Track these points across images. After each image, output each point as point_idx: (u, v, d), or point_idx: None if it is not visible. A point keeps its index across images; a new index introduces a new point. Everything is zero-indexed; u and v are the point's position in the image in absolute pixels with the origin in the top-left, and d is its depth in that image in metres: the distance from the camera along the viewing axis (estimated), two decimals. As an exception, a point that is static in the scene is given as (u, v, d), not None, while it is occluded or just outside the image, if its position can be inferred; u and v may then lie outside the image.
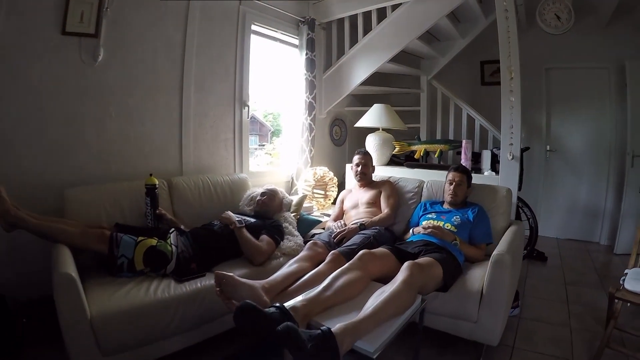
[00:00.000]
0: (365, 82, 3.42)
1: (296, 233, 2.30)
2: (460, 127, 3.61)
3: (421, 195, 2.50)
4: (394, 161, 3.36)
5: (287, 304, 1.36)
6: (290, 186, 3.32)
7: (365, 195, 2.47)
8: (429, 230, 2.01)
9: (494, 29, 2.61)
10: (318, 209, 3.05)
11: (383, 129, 3.18)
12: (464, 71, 4.15)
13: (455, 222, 2.11)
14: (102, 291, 1.52)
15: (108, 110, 2.19)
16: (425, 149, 3.08)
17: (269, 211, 2.33)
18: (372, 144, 3.13)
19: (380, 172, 2.85)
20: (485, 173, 2.81)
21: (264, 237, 2.07)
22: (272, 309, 1.29)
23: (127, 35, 2.21)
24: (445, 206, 2.27)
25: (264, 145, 3.70)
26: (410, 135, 3.59)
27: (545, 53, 3.76)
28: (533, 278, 2.87)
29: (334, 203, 2.89)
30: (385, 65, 3.28)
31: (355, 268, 1.61)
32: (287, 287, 1.68)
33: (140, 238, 1.74)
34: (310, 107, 3.26)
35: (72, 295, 1.34)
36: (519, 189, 2.74)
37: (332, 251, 1.88)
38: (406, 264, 1.60)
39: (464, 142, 2.85)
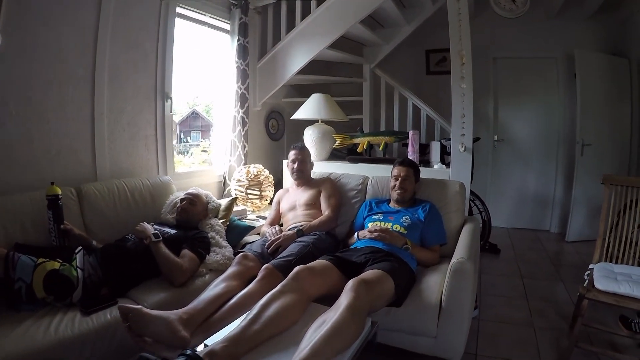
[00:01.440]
0: (305, 71, 3.61)
1: (224, 244, 2.31)
2: (405, 117, 3.92)
3: (365, 193, 2.61)
4: (336, 156, 3.58)
5: (201, 351, 1.25)
6: (223, 187, 3.44)
7: (304, 195, 2.54)
8: (376, 234, 2.01)
9: (441, 15, 2.90)
10: (254, 211, 3.19)
11: (322, 121, 3.38)
12: (408, 60, 4.52)
13: (404, 223, 2.15)
14: (16, 327, 1.46)
15: (6, 106, 2.10)
16: (368, 142, 3.29)
17: (191, 219, 2.35)
18: (310, 137, 3.33)
19: (321, 169, 2.97)
20: (435, 166, 3.00)
21: (186, 252, 2.05)
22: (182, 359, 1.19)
23: (29, 17, 2.13)
24: (393, 205, 2.33)
25: (200, 142, 3.81)
26: (353, 127, 3.81)
27: (492, 42, 4.18)
28: (488, 273, 3.12)
29: (270, 203, 3.02)
30: (324, 53, 3.47)
31: (289, 290, 1.53)
32: (211, 315, 1.62)
33: (40, 260, 1.67)
34: (243, 99, 3.38)
35: None
36: (471, 181, 2.97)
37: (265, 265, 1.86)
38: (350, 283, 1.52)
39: (410, 133, 3.05)
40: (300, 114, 3.34)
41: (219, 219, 2.52)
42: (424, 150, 3.26)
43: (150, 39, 2.80)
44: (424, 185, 2.46)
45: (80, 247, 1.90)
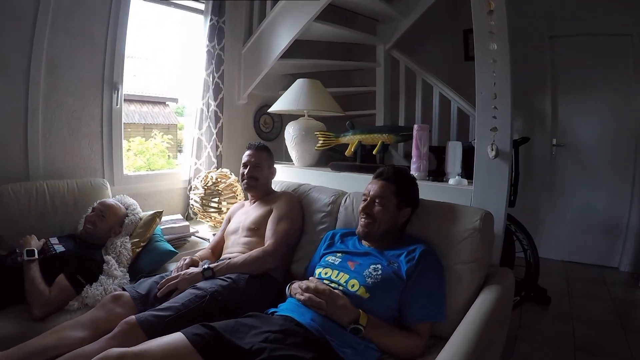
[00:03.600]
0: (303, 55, 3.68)
1: (118, 273, 2.25)
2: (430, 112, 3.81)
3: (336, 218, 2.33)
4: (332, 159, 3.43)
5: None
6: (189, 194, 3.60)
7: (252, 214, 2.40)
8: (306, 296, 1.63)
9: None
10: (214, 227, 3.30)
11: (310, 115, 3.40)
12: (441, 43, 4.39)
13: (369, 278, 1.69)
14: None
15: None
16: (360, 142, 3.02)
17: (95, 235, 2.42)
18: (290, 136, 3.35)
19: (300, 178, 2.95)
20: (451, 181, 2.51)
21: (60, 278, 2.06)
22: None
23: None
24: (364, 242, 1.95)
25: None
26: (360, 124, 3.74)
27: (547, 15, 3.89)
28: (529, 341, 2.72)
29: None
30: (323, 30, 3.49)
31: None
32: None
33: None
34: (216, 89, 3.55)
35: None
36: (512, 204, 2.60)
37: (126, 319, 1.66)
38: None
39: (416, 128, 2.67)
40: (279, 105, 3.37)
41: (133, 238, 2.53)
42: (440, 155, 2.86)
43: (98, 23, 3.03)
44: (425, 212, 1.97)
45: None
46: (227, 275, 2.01)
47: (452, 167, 2.58)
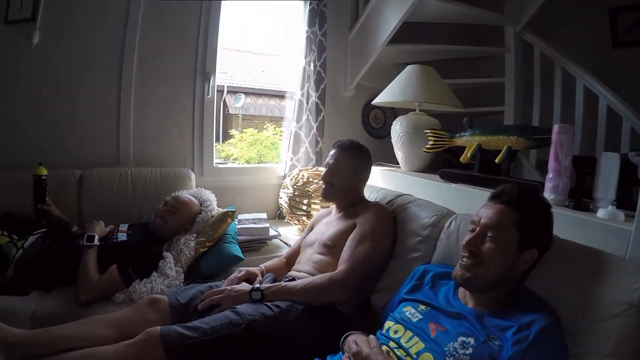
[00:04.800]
0: (417, 40, 3.47)
1: (172, 272, 2.24)
2: (572, 111, 3.30)
3: (434, 247, 1.90)
4: (451, 165, 3.05)
5: None
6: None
7: (333, 227, 2.14)
8: None
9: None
10: (301, 229, 3.15)
11: (422, 110, 3.07)
12: (581, 26, 3.75)
13: (450, 358, 1.28)
14: None
15: (42, 94, 2.91)
16: (479, 145, 2.50)
17: (164, 231, 2.46)
18: (397, 133, 3.04)
19: (402, 185, 2.73)
20: (601, 212, 1.72)
21: (112, 268, 2.12)
22: None
23: (64, 11, 2.89)
24: (462, 295, 1.50)
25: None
26: (485, 124, 3.36)
27: None
28: None
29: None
30: (438, 9, 3.20)
31: None
32: (47, 355, 1.60)
33: None
34: (318, 79, 3.46)
35: None
36: None
37: (150, 329, 1.60)
38: None
39: (556, 128, 1.98)
40: (383, 96, 3.10)
41: (198, 237, 2.49)
42: (583, 170, 2.11)
43: (190, 14, 3.20)
44: (558, 258, 1.46)
45: (41, 230, 2.38)
46: (277, 304, 1.76)
47: (604, 191, 1.78)
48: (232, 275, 2.05)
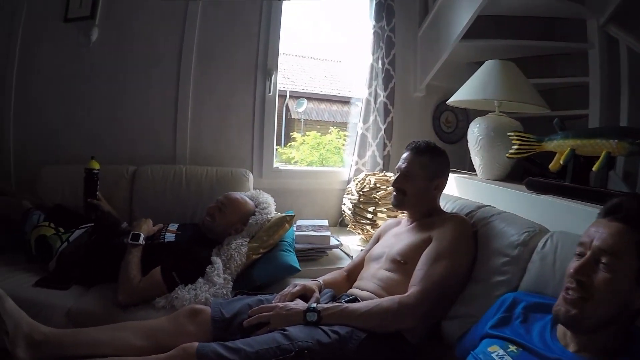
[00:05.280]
0: (493, 35, 3.23)
1: (219, 280, 2.08)
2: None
3: (524, 270, 1.61)
4: (529, 173, 2.64)
5: None
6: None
7: (403, 240, 1.89)
8: None
9: None
10: (366, 241, 2.90)
11: (502, 111, 2.78)
12: None
13: None
14: None
15: (100, 90, 2.98)
16: (572, 150, 2.12)
17: (214, 230, 2.34)
18: (475, 136, 2.76)
19: (480, 195, 2.46)
20: None
21: (156, 271, 2.02)
22: None
23: (122, 8, 2.97)
24: (561, 334, 1.21)
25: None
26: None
27: None
28: None
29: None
30: (514, 1, 2.99)
31: None
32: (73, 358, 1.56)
33: (41, 222, 2.28)
34: (387, 77, 3.26)
35: None
36: None
37: (186, 344, 1.46)
38: None
39: None
40: (460, 94, 2.85)
41: (253, 242, 2.32)
42: None
43: (250, 10, 3.13)
44: None
45: (88, 225, 2.38)
46: (335, 329, 1.55)
47: None
48: (285, 290, 1.83)
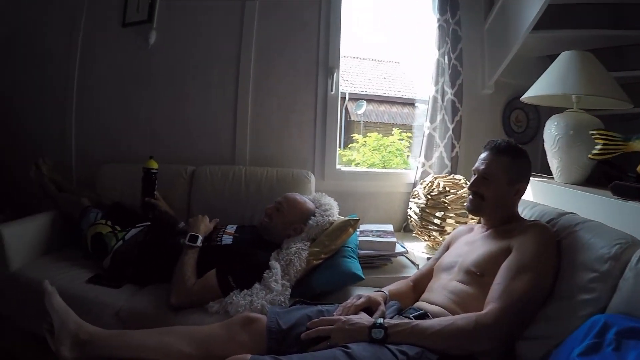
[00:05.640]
0: (564, 25, 3.01)
1: (277, 286, 1.96)
2: None
3: (614, 288, 1.38)
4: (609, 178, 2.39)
5: None
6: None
7: (479, 249, 1.72)
8: None
9: None
10: (433, 249, 2.75)
11: (580, 108, 2.57)
12: None
13: None
14: (47, 261, 2.31)
15: (159, 90, 3.06)
16: None
17: (271, 231, 2.25)
18: (552, 135, 2.56)
19: (557, 200, 2.25)
20: None
21: (211, 274, 1.95)
22: None
23: (179, 11, 3.04)
24: None
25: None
26: None
27: None
28: None
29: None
30: None
31: None
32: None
33: (99, 220, 2.36)
34: (454, 73, 3.10)
35: None
36: None
37: (237, 356, 1.38)
38: None
39: None
40: (535, 89, 2.65)
41: (314, 247, 2.18)
42: None
43: (309, 6, 3.07)
44: None
45: (144, 224, 2.40)
46: (403, 349, 1.38)
47: None
48: (348, 301, 1.66)
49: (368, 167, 3.56)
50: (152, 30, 3.02)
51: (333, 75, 3.05)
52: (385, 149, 3.90)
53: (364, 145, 3.85)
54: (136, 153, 2.87)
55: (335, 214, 2.38)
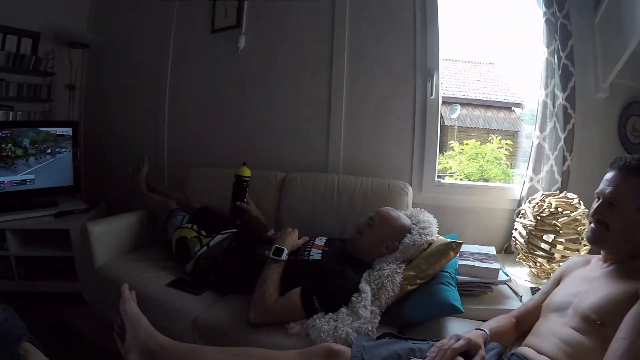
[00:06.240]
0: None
1: (366, 313, 1.76)
2: None
3: None
4: None
5: None
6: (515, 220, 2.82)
7: (598, 289, 1.43)
8: None
9: None
10: (537, 277, 2.43)
11: None
12: None
13: None
14: (130, 259, 2.45)
15: (249, 95, 3.10)
16: None
17: (360, 248, 2.08)
18: None
19: None
20: None
21: (294, 292, 1.81)
22: None
23: (267, 15, 3.08)
24: None
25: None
26: None
27: None
28: None
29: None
30: None
31: None
32: None
33: (185, 224, 2.41)
34: (564, 75, 2.74)
35: (84, 243, 2.43)
36: None
37: None
38: None
39: None
40: None
41: (408, 270, 1.97)
42: None
43: (402, 6, 2.87)
44: None
45: (230, 231, 2.39)
46: None
47: None
48: (445, 342, 1.43)
49: (465, 178, 3.27)
50: (241, 35, 3.08)
51: (432, 77, 2.84)
52: (483, 158, 3.60)
53: (460, 153, 3.57)
54: (226, 157, 2.97)
55: (434, 233, 2.15)
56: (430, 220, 2.20)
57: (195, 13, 3.34)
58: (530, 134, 2.96)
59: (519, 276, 2.46)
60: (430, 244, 2.06)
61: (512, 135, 4.21)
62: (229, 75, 3.17)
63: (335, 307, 1.79)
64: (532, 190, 2.79)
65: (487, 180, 3.39)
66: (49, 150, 3.24)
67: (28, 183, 3.16)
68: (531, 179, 2.81)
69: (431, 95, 2.85)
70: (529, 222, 2.44)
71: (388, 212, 2.15)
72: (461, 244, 2.06)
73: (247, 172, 2.43)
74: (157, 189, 2.91)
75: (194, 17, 3.33)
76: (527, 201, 2.65)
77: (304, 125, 2.99)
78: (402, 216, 2.17)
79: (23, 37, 3.44)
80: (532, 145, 2.82)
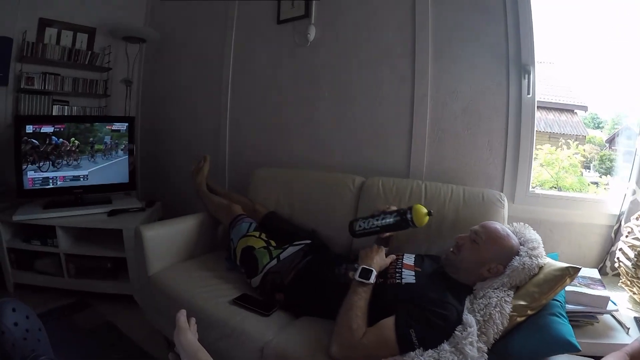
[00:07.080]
0: None
1: (472, 351, 1.46)
2: None
3: None
4: None
5: None
6: (614, 238, 2.50)
7: None
8: None
9: None
10: (637, 301, 2.09)
11: None
12: None
13: None
14: (188, 268, 2.28)
15: (321, 90, 2.87)
16: None
17: (454, 266, 1.80)
18: None
19: None
20: None
21: (387, 322, 1.54)
22: None
23: (339, 2, 2.85)
24: None
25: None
26: None
27: None
28: None
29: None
30: None
31: None
32: None
33: (251, 232, 2.21)
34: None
35: (138, 247, 2.26)
36: None
37: None
38: None
39: None
40: None
41: (518, 298, 1.65)
42: None
43: None
44: None
45: (304, 242, 2.19)
46: None
47: None
48: None
49: (540, 186, 2.95)
50: (310, 26, 2.89)
51: (528, 73, 2.49)
52: (560, 165, 3.27)
53: (535, 159, 3.27)
54: (296, 157, 2.88)
55: (543, 254, 1.81)
56: (537, 239, 1.88)
57: (259, 3, 3.17)
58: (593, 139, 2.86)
59: (621, 302, 2.09)
60: (540, 267, 1.75)
61: (574, 139, 3.88)
62: (298, 69, 2.98)
63: (436, 341, 1.50)
64: (635, 205, 2.44)
65: (560, 189, 3.09)
66: (122, 147, 3.23)
67: (82, 179, 3.09)
68: (634, 192, 2.46)
69: (528, 94, 2.52)
70: (637, 242, 2.11)
71: (496, 229, 1.82)
72: (579, 269, 1.72)
73: (421, 220, 1.85)
74: (217, 190, 2.77)
75: (258, 7, 3.16)
76: (635, 217, 2.31)
77: (384, 124, 2.71)
78: (511, 235, 1.85)
79: (79, 32, 3.44)
80: (634, 153, 2.48)
